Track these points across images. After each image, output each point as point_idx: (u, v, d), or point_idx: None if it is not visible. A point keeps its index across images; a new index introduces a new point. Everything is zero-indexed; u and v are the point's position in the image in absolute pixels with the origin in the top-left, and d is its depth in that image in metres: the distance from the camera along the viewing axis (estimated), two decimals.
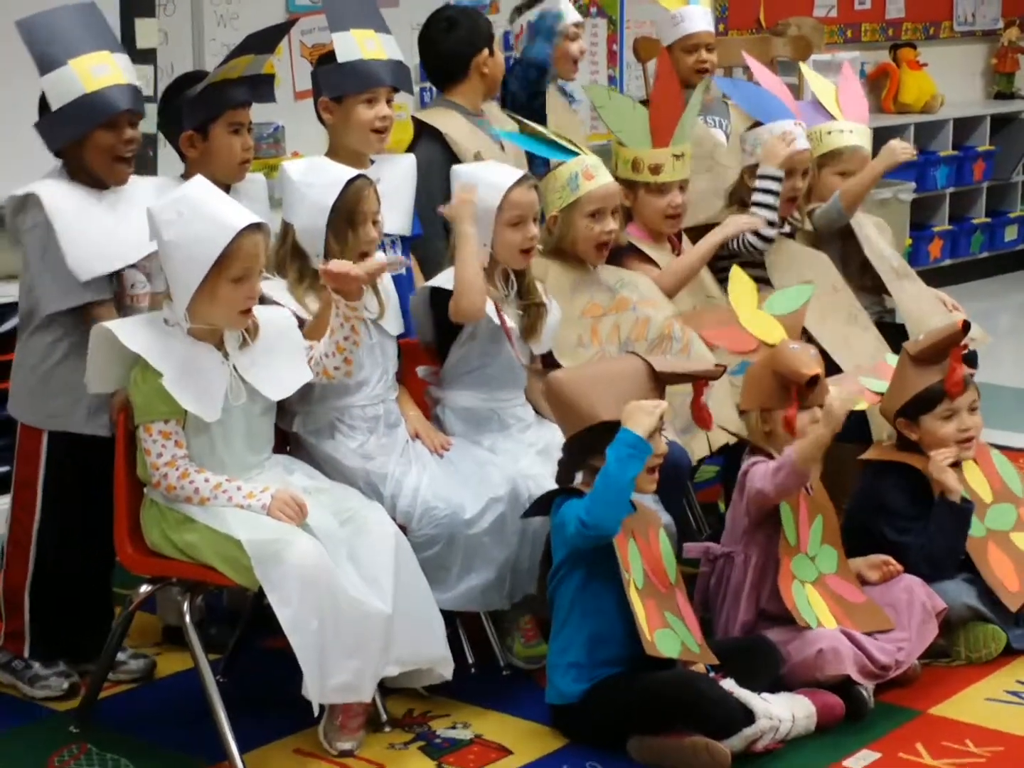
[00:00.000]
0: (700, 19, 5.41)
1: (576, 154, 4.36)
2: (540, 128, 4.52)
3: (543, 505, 3.74)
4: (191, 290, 3.48)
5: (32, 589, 3.92)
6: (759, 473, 3.84)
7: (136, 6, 5.11)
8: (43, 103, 3.78)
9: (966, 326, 4.16)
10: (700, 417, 3.84)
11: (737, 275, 4.24)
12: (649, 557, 3.68)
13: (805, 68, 5.45)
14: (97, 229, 3.74)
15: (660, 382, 3.69)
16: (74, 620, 3.97)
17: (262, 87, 4.12)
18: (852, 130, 5.06)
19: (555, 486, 3.75)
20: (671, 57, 5.43)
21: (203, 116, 3.97)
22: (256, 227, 3.53)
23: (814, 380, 3.88)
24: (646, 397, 3.63)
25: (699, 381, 3.81)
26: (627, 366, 3.74)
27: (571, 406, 3.66)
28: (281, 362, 3.68)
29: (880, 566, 4.04)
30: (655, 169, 4.57)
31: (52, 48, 3.72)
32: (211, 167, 3.97)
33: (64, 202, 3.72)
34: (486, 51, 4.81)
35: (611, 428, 3.58)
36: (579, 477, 3.73)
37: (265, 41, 4.08)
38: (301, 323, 3.79)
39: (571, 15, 5.30)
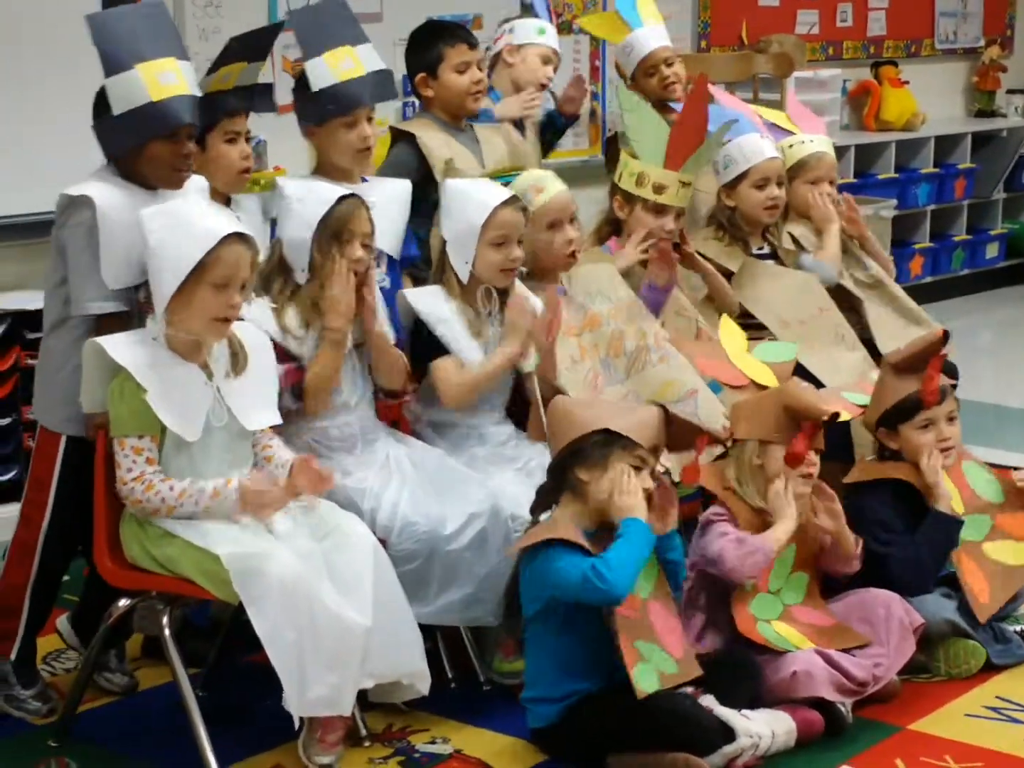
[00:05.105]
0: (648, 39, 5.49)
1: (518, 173, 4.36)
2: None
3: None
4: (169, 294, 3.48)
5: (33, 591, 3.85)
6: (728, 549, 3.76)
7: None
8: (99, 104, 3.69)
9: (946, 335, 4.17)
10: (690, 474, 3.79)
11: (727, 324, 4.35)
12: None
13: (758, 108, 5.46)
14: (137, 238, 3.58)
15: (667, 427, 3.66)
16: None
17: (261, 96, 4.07)
18: (812, 139, 5.13)
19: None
20: (636, 85, 5.45)
21: (199, 127, 3.93)
22: (240, 238, 3.52)
23: (835, 417, 3.89)
24: (653, 438, 3.62)
25: (702, 437, 3.75)
26: (640, 407, 3.77)
27: (572, 418, 3.63)
28: (257, 393, 3.69)
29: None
30: (659, 188, 4.55)
31: (120, 49, 3.61)
32: (209, 178, 3.93)
33: (113, 208, 3.62)
34: (423, 74, 4.82)
35: (609, 439, 3.58)
36: (551, 510, 3.70)
37: (255, 47, 4.04)
38: (275, 348, 3.79)
39: (550, 39, 5.33)
